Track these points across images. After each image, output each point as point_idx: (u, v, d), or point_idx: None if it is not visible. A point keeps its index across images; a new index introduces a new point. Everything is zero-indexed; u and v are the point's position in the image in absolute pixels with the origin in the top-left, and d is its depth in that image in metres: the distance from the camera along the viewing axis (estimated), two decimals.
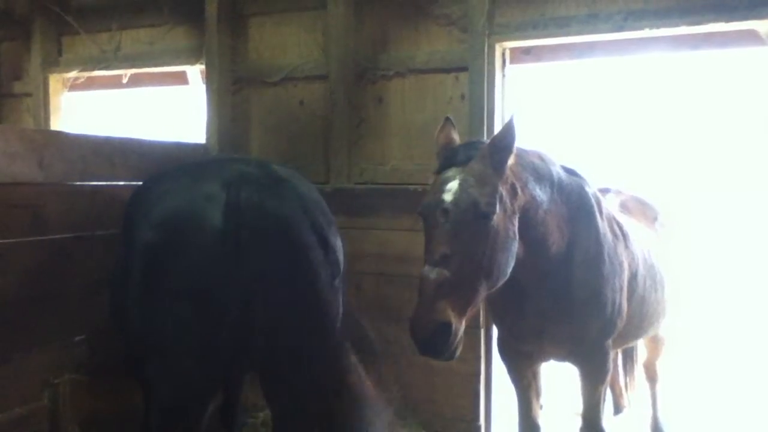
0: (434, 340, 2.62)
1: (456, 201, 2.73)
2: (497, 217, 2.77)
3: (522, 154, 3.06)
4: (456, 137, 3.16)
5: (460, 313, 2.68)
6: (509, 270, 2.91)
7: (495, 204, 2.76)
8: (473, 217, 2.72)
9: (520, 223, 2.95)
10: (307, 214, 2.83)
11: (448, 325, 2.61)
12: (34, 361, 3.25)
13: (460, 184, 2.77)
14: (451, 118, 3.24)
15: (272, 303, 2.73)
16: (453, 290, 2.64)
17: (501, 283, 2.90)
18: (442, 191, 2.78)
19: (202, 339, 2.69)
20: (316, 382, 2.92)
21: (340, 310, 3.17)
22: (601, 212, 3.42)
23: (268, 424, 4.03)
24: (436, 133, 3.19)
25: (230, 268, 2.67)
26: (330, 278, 2.92)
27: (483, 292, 2.83)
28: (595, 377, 3.45)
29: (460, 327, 2.69)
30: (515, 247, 2.92)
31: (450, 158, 2.96)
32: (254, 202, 2.73)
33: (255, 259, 2.69)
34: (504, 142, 2.87)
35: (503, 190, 2.84)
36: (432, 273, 2.64)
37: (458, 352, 2.72)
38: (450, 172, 2.86)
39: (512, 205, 2.90)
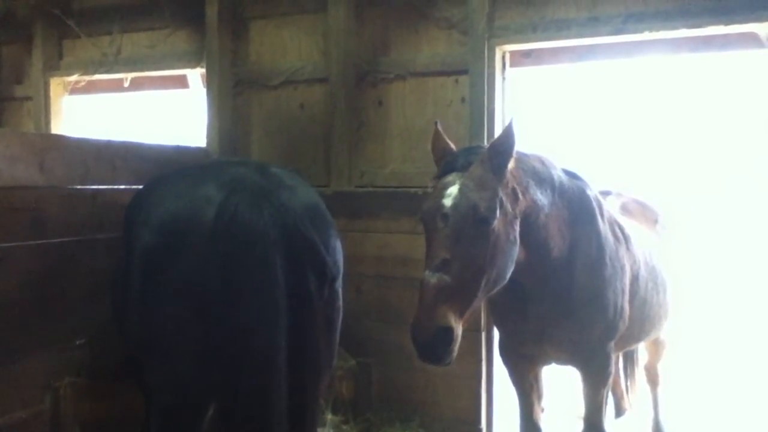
0: (435, 345, 2.62)
1: (456, 205, 2.74)
2: (498, 222, 2.77)
3: (522, 159, 3.06)
4: (449, 142, 3.16)
5: (460, 317, 2.69)
6: (508, 274, 2.91)
7: (495, 208, 2.76)
8: (473, 221, 2.73)
9: (521, 227, 2.95)
10: (285, 226, 2.78)
11: (450, 330, 2.62)
12: (35, 365, 3.25)
13: (460, 189, 2.77)
14: (438, 122, 3.22)
15: (242, 310, 2.70)
16: (453, 295, 2.65)
17: (499, 287, 2.91)
18: (442, 196, 2.79)
19: (201, 341, 2.69)
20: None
21: (340, 312, 3.16)
22: (602, 215, 3.42)
23: None
24: (431, 142, 3.18)
25: (221, 270, 2.66)
26: (298, 291, 2.86)
27: (483, 296, 2.84)
28: (597, 380, 3.44)
29: (460, 331, 2.70)
30: (516, 251, 2.92)
31: (450, 163, 2.96)
32: (235, 208, 2.72)
33: (232, 264, 2.68)
34: (504, 146, 2.88)
35: (504, 194, 2.85)
36: (432, 278, 2.64)
37: (455, 356, 2.71)
38: (450, 177, 2.87)
39: (513, 209, 2.90)
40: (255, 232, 2.70)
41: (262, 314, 2.68)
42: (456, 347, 2.68)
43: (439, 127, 3.19)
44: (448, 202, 2.75)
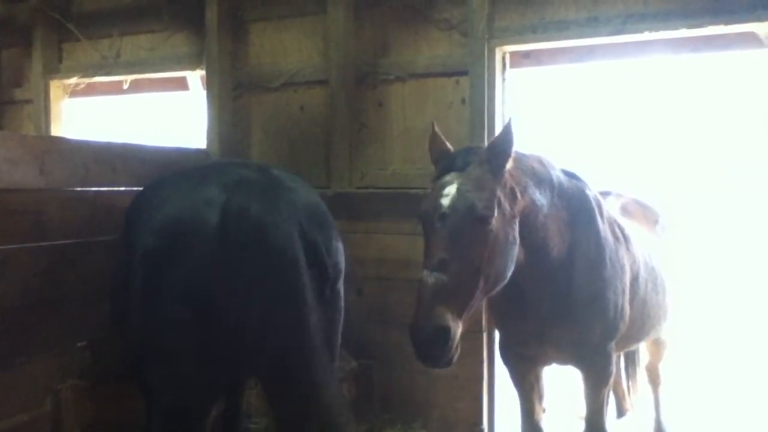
0: (432, 345, 2.62)
1: (453, 205, 2.74)
2: (496, 222, 2.78)
3: (521, 159, 3.06)
4: (446, 142, 3.16)
5: (459, 318, 2.68)
6: (508, 274, 2.91)
7: (493, 208, 2.76)
8: (471, 221, 2.72)
9: (520, 227, 2.94)
10: (292, 220, 2.80)
11: (447, 329, 2.61)
12: (36, 367, 3.25)
13: (457, 189, 2.78)
14: (435, 123, 3.22)
15: (257, 309, 2.71)
16: (451, 295, 2.64)
17: (499, 287, 2.91)
18: (440, 196, 2.79)
19: (202, 344, 2.69)
20: (312, 389, 2.89)
21: (342, 313, 3.16)
22: (602, 215, 3.41)
23: (271, 430, 4.03)
24: (428, 143, 3.18)
25: (226, 272, 2.67)
26: (313, 285, 2.88)
27: (482, 297, 2.83)
28: (598, 380, 3.44)
29: (458, 331, 2.69)
30: (515, 251, 2.92)
31: (448, 164, 2.97)
32: (243, 207, 2.72)
33: (242, 264, 2.68)
34: (502, 146, 2.89)
35: (502, 194, 2.85)
36: (430, 278, 2.64)
37: (456, 357, 2.71)
38: (448, 177, 2.88)
39: (512, 209, 2.90)
40: (263, 230, 2.71)
41: (278, 311, 2.70)
42: (456, 347, 2.68)
43: (437, 128, 3.19)
44: (446, 201, 2.75)
